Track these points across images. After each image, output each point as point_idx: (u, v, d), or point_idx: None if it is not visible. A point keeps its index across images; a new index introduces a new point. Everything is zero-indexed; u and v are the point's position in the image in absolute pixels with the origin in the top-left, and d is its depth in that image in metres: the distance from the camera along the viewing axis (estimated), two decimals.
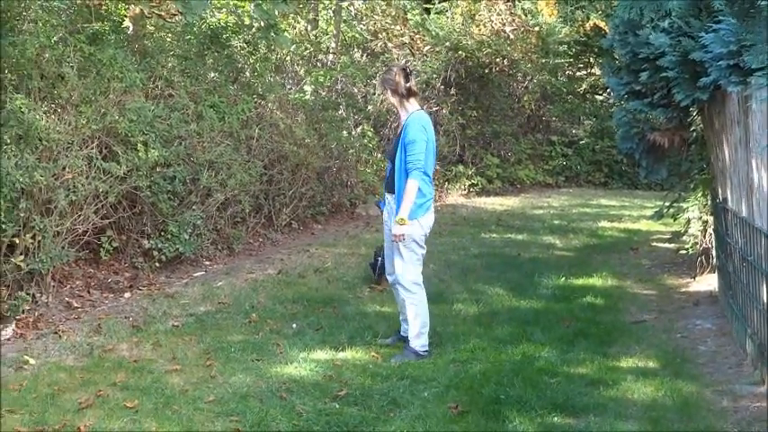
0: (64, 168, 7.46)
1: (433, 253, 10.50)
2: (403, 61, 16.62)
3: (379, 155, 14.85)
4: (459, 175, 16.77)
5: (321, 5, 16.72)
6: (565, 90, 19.99)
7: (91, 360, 6.29)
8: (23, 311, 7.02)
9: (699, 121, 8.24)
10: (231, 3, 12.80)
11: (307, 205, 12.11)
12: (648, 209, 13.08)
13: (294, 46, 13.85)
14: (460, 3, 17.67)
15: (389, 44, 17.23)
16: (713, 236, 8.44)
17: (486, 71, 17.39)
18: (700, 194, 9.13)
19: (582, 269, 9.76)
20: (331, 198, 12.97)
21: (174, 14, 9.97)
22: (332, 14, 16.82)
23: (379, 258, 8.50)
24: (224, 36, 11.11)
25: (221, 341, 6.78)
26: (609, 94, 17.32)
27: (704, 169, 8.76)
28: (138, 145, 8.25)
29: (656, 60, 7.13)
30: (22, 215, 7.06)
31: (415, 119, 6.40)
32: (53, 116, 7.59)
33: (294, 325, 7.31)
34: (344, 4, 17.05)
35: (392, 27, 17.52)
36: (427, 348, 6.51)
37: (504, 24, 17.66)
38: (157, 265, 8.83)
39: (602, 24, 19.00)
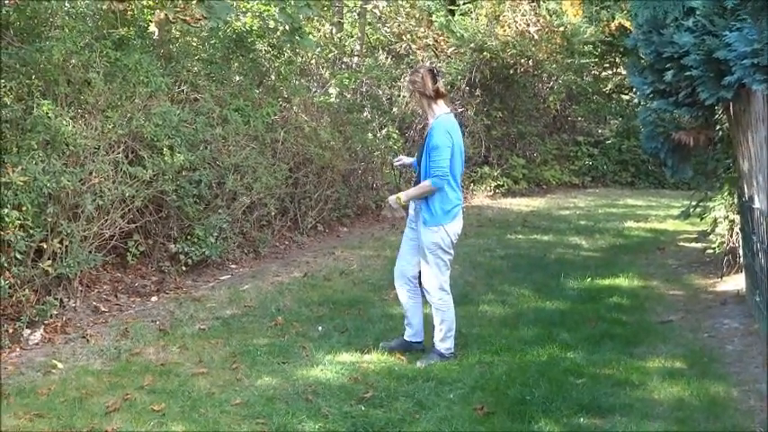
0: (91, 173, 7.52)
1: (458, 254, 10.47)
2: (428, 62, 16.63)
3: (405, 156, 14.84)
4: (485, 176, 16.73)
5: (346, 8, 16.76)
6: (590, 90, 19.90)
7: (118, 364, 6.34)
8: (51, 316, 7.09)
9: (724, 119, 8.18)
10: (256, 6, 12.84)
11: (332, 208, 12.13)
12: (675, 208, 13.00)
13: (319, 49, 13.88)
14: (485, 4, 17.64)
15: (413, 46, 17.23)
16: (740, 235, 8.39)
17: (511, 72, 17.35)
18: (726, 193, 9.06)
19: (608, 269, 9.72)
20: (356, 200, 12.99)
21: (199, 19, 10.01)
22: (356, 17, 16.87)
23: None
24: (249, 40, 11.16)
25: (247, 344, 6.81)
26: (635, 93, 17.22)
27: (730, 168, 8.71)
28: (164, 149, 8.31)
29: (680, 59, 7.10)
30: (49, 220, 7.13)
31: (440, 123, 6.29)
32: (80, 121, 7.66)
33: (320, 327, 7.32)
34: (369, 7, 17.08)
35: (416, 29, 17.52)
36: (452, 351, 6.48)
37: (528, 25, 17.60)
38: (184, 268, 8.88)
39: (627, 24, 18.90)
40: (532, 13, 17.73)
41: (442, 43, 17.42)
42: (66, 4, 8.56)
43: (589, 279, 9.14)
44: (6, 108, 7.08)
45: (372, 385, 5.85)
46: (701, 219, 10.22)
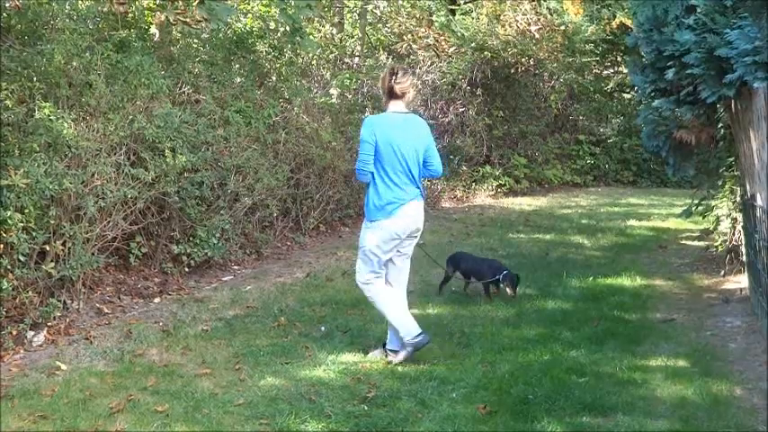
0: (93, 175, 7.53)
1: None
2: (428, 63, 16.64)
3: None
4: (487, 175, 16.75)
5: (346, 9, 16.77)
6: (592, 89, 19.92)
7: (122, 365, 6.34)
8: (55, 318, 7.09)
9: (725, 117, 8.18)
10: (257, 8, 12.86)
11: (334, 208, 12.15)
12: (677, 207, 13.02)
13: (320, 49, 13.89)
14: (486, 3, 17.65)
15: (414, 46, 17.24)
16: (742, 233, 8.39)
17: (512, 71, 17.36)
18: (728, 191, 9.07)
19: (610, 268, 9.72)
20: (358, 201, 12.97)
21: (200, 21, 10.02)
22: (357, 18, 16.88)
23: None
24: (250, 41, 11.17)
25: (250, 345, 6.81)
26: (636, 92, 17.24)
27: (732, 166, 8.71)
28: (166, 151, 8.31)
29: (681, 57, 7.10)
30: (52, 222, 7.13)
31: (370, 119, 6.36)
32: (81, 124, 7.67)
33: (322, 328, 7.33)
34: (369, 7, 17.09)
35: (417, 29, 17.53)
36: (418, 337, 6.34)
37: (529, 24, 17.61)
38: (186, 269, 8.89)
39: (628, 22, 18.89)
40: (533, 12, 17.74)
41: (443, 43, 17.43)
42: (67, 7, 8.57)
43: (591, 278, 9.14)
44: (8, 111, 7.08)
45: (375, 385, 5.85)
46: (704, 217, 10.24)
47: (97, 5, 9.35)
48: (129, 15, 9.68)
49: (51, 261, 7.15)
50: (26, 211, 6.76)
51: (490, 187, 16.63)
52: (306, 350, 6.62)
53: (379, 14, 17.64)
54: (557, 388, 5.71)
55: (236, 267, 9.58)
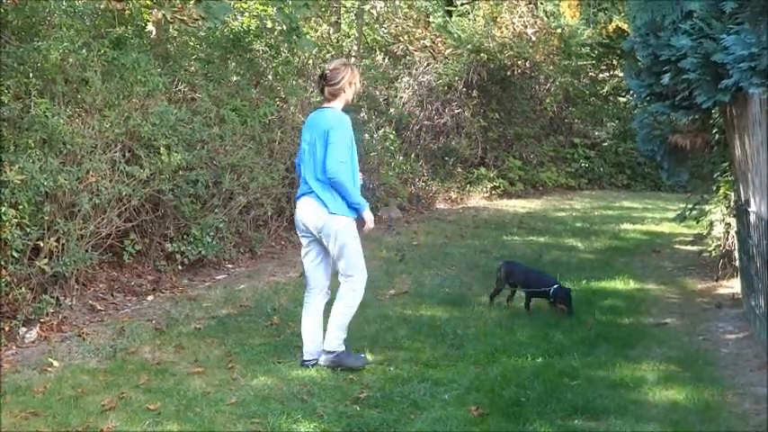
0: (87, 172, 7.52)
1: (455, 255, 10.55)
2: (425, 64, 16.65)
3: (402, 157, 14.87)
4: (481, 177, 16.76)
5: (343, 9, 16.77)
6: (587, 92, 19.95)
7: (114, 362, 6.34)
8: (47, 314, 7.08)
9: (720, 122, 8.20)
10: (254, 7, 12.85)
11: None
12: (671, 211, 13.03)
13: (316, 49, 13.88)
14: (482, 5, 17.67)
15: (411, 47, 17.26)
16: (735, 238, 8.41)
17: (508, 73, 17.40)
18: (722, 196, 9.09)
19: (604, 272, 9.73)
20: None
21: (197, 19, 10.01)
22: (354, 17, 16.88)
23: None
24: (246, 40, 11.16)
25: (243, 344, 6.81)
26: (631, 96, 17.27)
27: (726, 171, 8.72)
28: (161, 149, 8.31)
29: (677, 62, 7.10)
30: (46, 219, 7.13)
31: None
32: (77, 120, 7.66)
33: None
34: (366, 8, 17.09)
35: (414, 30, 17.55)
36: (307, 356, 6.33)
37: (526, 26, 17.65)
38: (180, 268, 8.89)
39: (624, 26, 18.94)
40: (530, 14, 17.79)
41: (440, 44, 17.46)
42: (64, 4, 8.55)
43: (584, 281, 9.15)
44: (4, 107, 7.08)
45: (367, 385, 5.85)
46: (697, 222, 10.25)
47: (94, 2, 9.34)
48: (126, 12, 9.66)
49: (45, 257, 7.14)
50: (20, 207, 6.76)
51: (485, 189, 16.64)
52: (298, 350, 6.59)
53: (375, 15, 17.64)
54: (549, 391, 5.71)
55: (229, 266, 9.58)
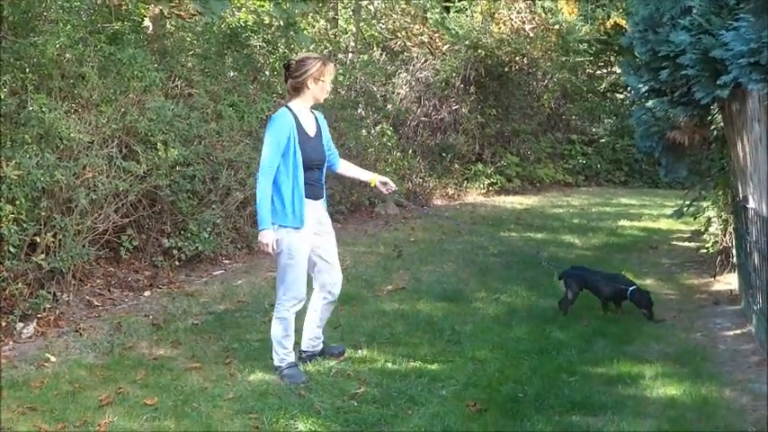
0: (84, 167, 7.51)
1: (452, 252, 10.54)
2: (422, 60, 16.64)
3: (399, 153, 14.85)
4: (479, 173, 16.76)
5: (341, 4, 16.75)
6: (585, 88, 19.94)
7: (111, 358, 6.33)
8: (44, 310, 7.07)
9: (719, 119, 8.19)
10: (251, 2, 12.83)
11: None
12: (669, 207, 13.02)
13: (313, 45, 13.86)
14: (480, 1, 17.65)
15: (408, 43, 17.23)
16: (733, 235, 8.40)
17: (506, 70, 17.38)
18: (720, 193, 9.08)
19: (601, 268, 9.66)
20: (350, 197, 12.97)
21: (194, 14, 10.00)
22: (351, 13, 16.85)
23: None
24: (243, 35, 11.14)
25: (240, 339, 6.81)
26: (629, 92, 17.27)
27: (724, 168, 8.72)
28: (158, 144, 8.29)
29: (676, 58, 7.09)
30: (43, 214, 7.12)
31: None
32: (73, 116, 7.65)
33: None
34: (364, 3, 17.07)
35: (411, 26, 17.52)
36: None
37: (523, 23, 17.62)
38: (177, 263, 8.87)
39: (622, 22, 18.91)
40: (528, 10, 17.75)
41: (437, 40, 17.43)
42: None
43: None
44: (0, 102, 7.06)
45: (365, 381, 5.84)
46: (695, 218, 10.26)
47: None
48: (123, 8, 9.65)
49: (42, 253, 7.13)
50: (17, 202, 6.75)
51: (482, 185, 16.64)
52: (296, 345, 6.59)
53: (373, 10, 17.61)
54: (546, 386, 5.71)
55: (226, 262, 9.57)
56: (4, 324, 6.69)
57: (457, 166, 16.74)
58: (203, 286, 8.50)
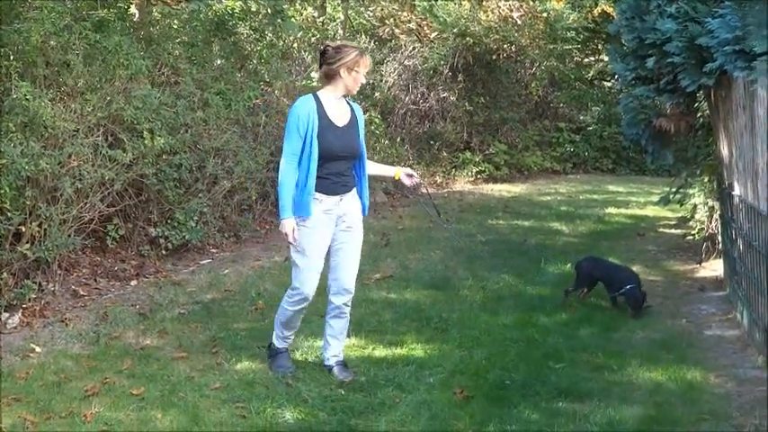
0: (69, 156, 7.47)
1: (439, 240, 10.54)
2: (410, 48, 16.62)
3: (387, 141, 14.84)
4: (467, 161, 16.74)
5: None
6: (572, 76, 19.90)
7: (97, 348, 6.32)
8: (30, 300, 7.04)
9: (705, 106, 8.21)
10: None
11: None
12: (656, 195, 13.01)
13: (301, 32, 13.82)
14: None
15: (396, 30, 17.20)
16: (719, 221, 8.43)
17: (494, 57, 17.36)
18: (706, 180, 9.11)
19: (595, 254, 9.74)
20: None
21: (180, 1, 9.96)
22: (339, 0, 16.79)
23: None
24: (230, 23, 11.09)
25: (228, 328, 6.81)
26: (616, 80, 17.25)
27: (710, 155, 8.74)
28: (144, 132, 8.26)
29: (662, 46, 7.10)
30: (27, 203, 7.08)
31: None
32: (58, 104, 7.60)
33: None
34: None
35: (399, 13, 17.49)
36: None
37: (511, 10, 17.60)
38: (164, 252, 8.85)
39: (610, 10, 18.87)
40: None
41: (426, 28, 17.40)
42: None
43: (569, 265, 9.14)
44: None
45: (352, 369, 5.84)
46: (681, 205, 10.29)
47: None
48: None
49: (27, 242, 7.10)
50: (2, 191, 6.72)
51: (470, 173, 16.62)
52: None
53: None
54: (533, 373, 5.73)
55: (214, 251, 9.55)
56: None
57: (445, 154, 16.72)
58: (190, 275, 8.48)
